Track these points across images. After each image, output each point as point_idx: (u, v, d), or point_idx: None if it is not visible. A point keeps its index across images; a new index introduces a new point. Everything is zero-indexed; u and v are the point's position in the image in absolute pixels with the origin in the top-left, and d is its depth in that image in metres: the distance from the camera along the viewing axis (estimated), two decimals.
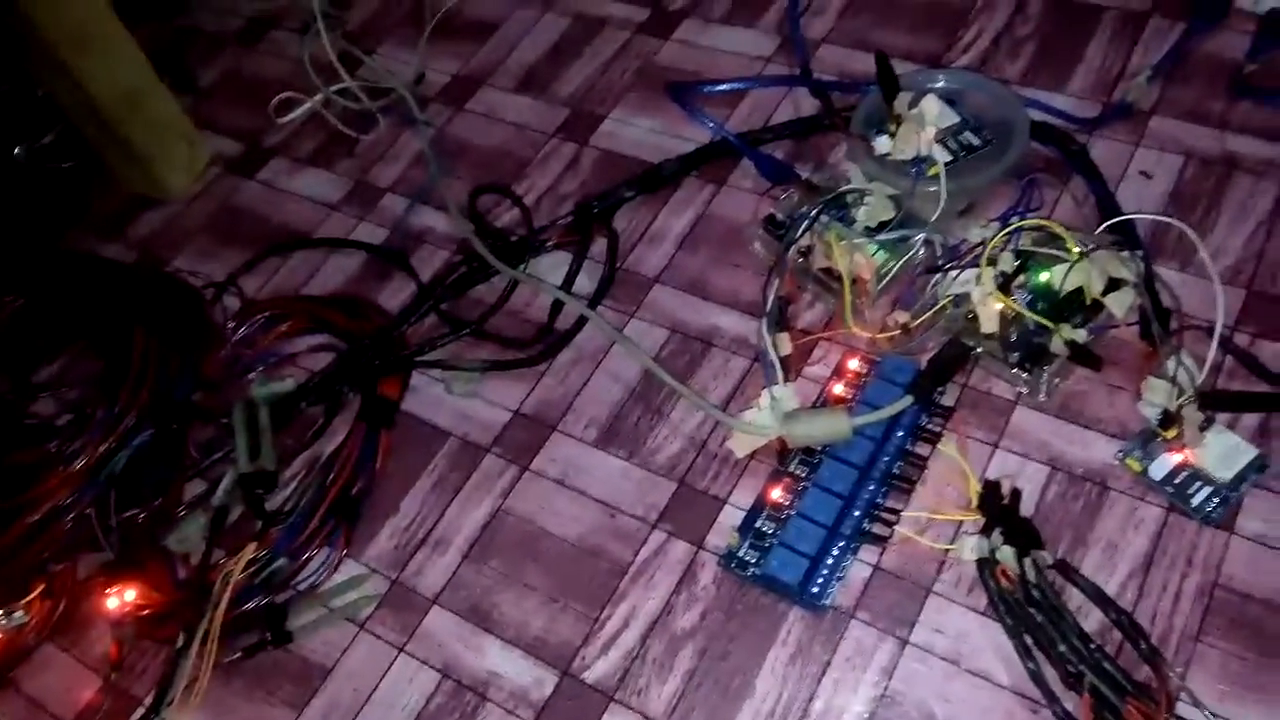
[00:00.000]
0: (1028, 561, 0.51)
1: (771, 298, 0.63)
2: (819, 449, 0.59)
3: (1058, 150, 0.70)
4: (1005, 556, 0.51)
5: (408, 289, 0.74)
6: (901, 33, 0.81)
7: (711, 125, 0.75)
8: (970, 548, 0.53)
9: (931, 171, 0.65)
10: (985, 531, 0.53)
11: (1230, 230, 0.65)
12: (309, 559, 0.62)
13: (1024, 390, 0.60)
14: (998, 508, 0.54)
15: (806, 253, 0.66)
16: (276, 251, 0.79)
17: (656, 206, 0.75)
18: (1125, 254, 0.61)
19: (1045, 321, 0.58)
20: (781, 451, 0.60)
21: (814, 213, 0.65)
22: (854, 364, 0.63)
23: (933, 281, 0.63)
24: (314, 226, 0.81)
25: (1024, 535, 0.53)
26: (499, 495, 0.63)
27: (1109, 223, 0.62)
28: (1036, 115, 0.71)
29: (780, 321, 0.64)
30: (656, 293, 0.71)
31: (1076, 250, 0.59)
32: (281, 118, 0.88)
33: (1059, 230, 0.59)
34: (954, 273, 0.62)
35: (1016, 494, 0.55)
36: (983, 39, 0.79)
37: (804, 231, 0.65)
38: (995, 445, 0.59)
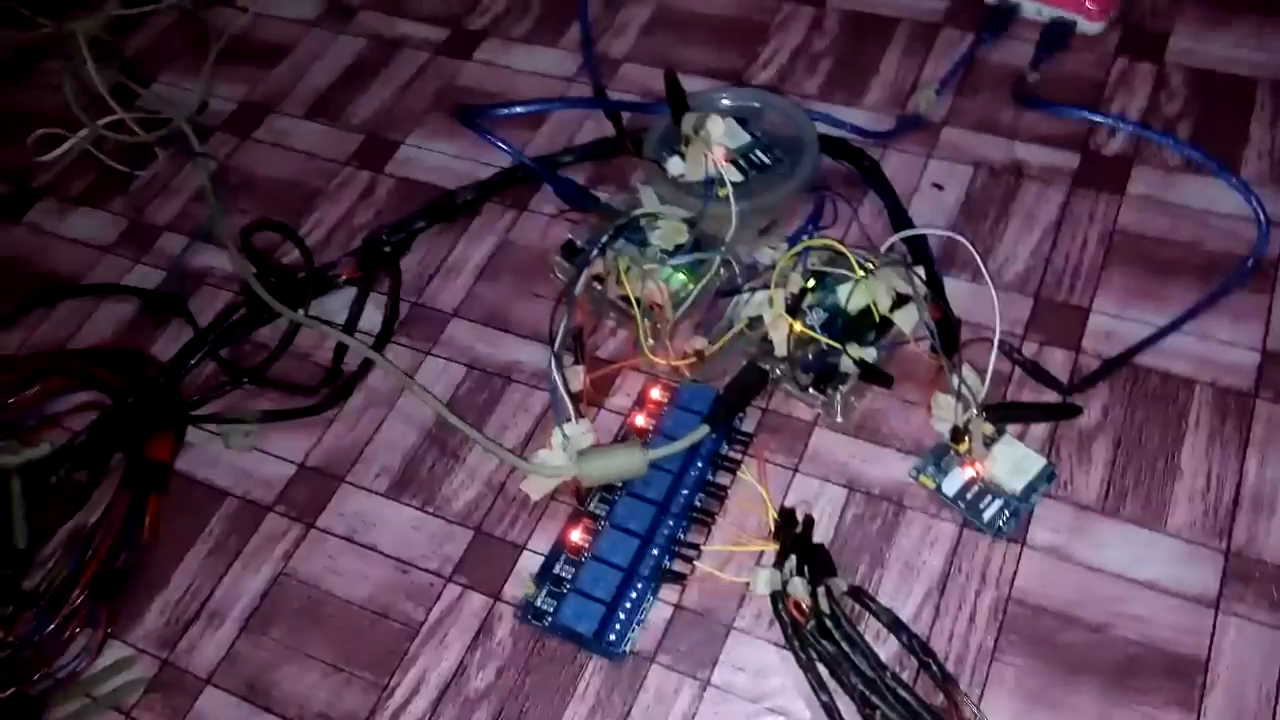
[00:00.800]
0: (820, 591, 0.50)
1: (561, 330, 0.60)
2: (618, 486, 0.57)
3: (851, 165, 0.70)
4: (796, 587, 0.50)
5: (185, 335, 0.69)
6: (703, 50, 0.80)
7: (505, 149, 0.72)
8: (763, 580, 0.51)
9: (722, 193, 0.63)
10: (779, 562, 0.52)
11: (1019, 238, 0.66)
12: (68, 643, 0.56)
13: (820, 412, 0.59)
14: (791, 536, 0.52)
15: (602, 279, 0.63)
16: (41, 302, 0.72)
17: (454, 235, 0.72)
18: (914, 268, 0.61)
19: (834, 341, 0.57)
20: (578, 491, 0.57)
21: (606, 238, 0.63)
22: (655, 393, 0.61)
23: (731, 304, 0.62)
24: (85, 271, 0.74)
25: (818, 563, 0.51)
26: (281, 558, 0.59)
27: (896, 237, 0.62)
28: (832, 131, 0.71)
29: (577, 353, 0.62)
30: (454, 327, 0.67)
31: (861, 268, 0.58)
32: (47, 155, 0.81)
33: (842, 249, 0.58)
34: (750, 294, 0.61)
35: (809, 520, 0.54)
36: (781, 55, 0.79)
37: (597, 258, 0.62)
38: (795, 469, 0.58)
